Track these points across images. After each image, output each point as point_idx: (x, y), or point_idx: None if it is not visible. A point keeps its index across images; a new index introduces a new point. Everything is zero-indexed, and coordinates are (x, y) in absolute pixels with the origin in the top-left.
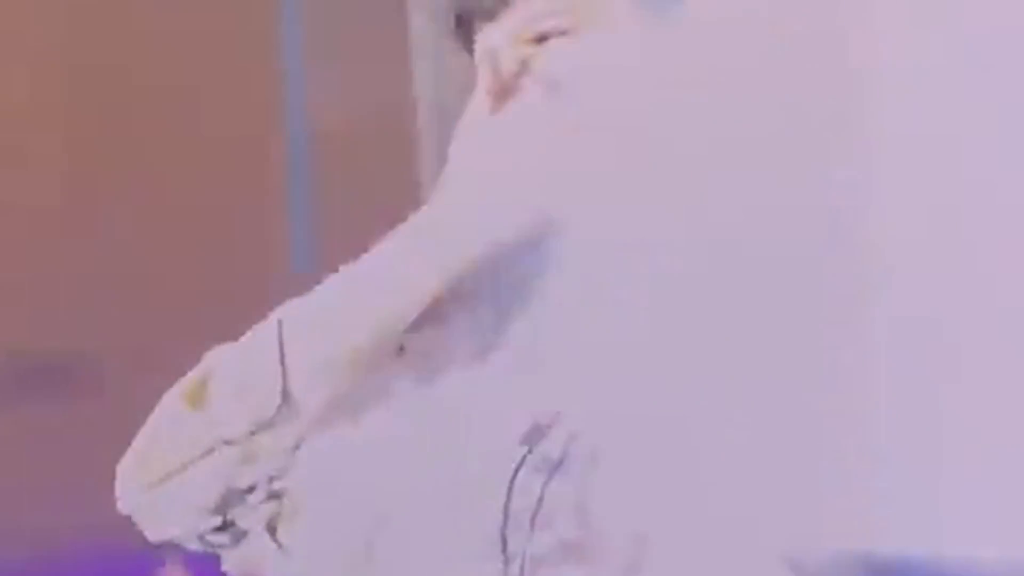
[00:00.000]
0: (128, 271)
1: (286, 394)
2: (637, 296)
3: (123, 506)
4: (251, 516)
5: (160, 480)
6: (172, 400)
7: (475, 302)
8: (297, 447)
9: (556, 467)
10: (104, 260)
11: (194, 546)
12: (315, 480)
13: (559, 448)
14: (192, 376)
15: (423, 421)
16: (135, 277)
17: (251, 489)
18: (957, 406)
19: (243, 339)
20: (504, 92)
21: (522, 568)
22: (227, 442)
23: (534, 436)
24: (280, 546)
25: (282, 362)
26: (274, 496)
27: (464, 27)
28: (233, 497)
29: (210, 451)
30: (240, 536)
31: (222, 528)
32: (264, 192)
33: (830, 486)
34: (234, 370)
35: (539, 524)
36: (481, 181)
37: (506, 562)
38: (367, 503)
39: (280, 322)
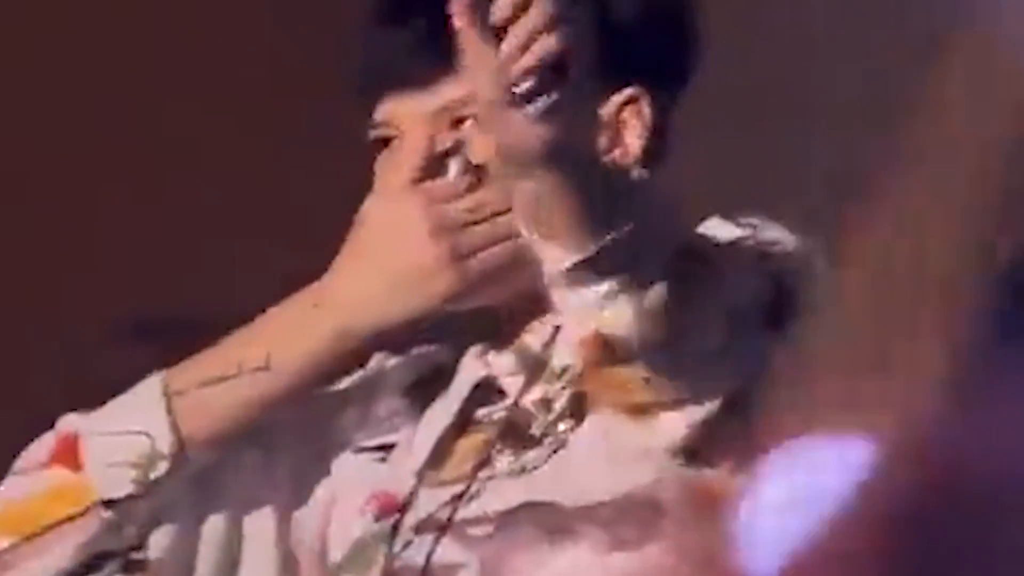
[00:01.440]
0: None
1: (176, 456)
2: None
3: None
4: None
5: (21, 539)
6: (36, 460)
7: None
8: (162, 519)
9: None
10: None
11: None
12: (172, 556)
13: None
14: (53, 440)
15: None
16: None
17: (112, 556)
18: None
19: (114, 403)
20: (432, 169)
21: None
22: (107, 503)
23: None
24: None
25: (172, 423)
26: (133, 567)
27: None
28: (94, 563)
29: (84, 512)
30: None
31: None
32: None
33: None
34: (115, 431)
35: None
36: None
37: None
38: None
39: (165, 384)
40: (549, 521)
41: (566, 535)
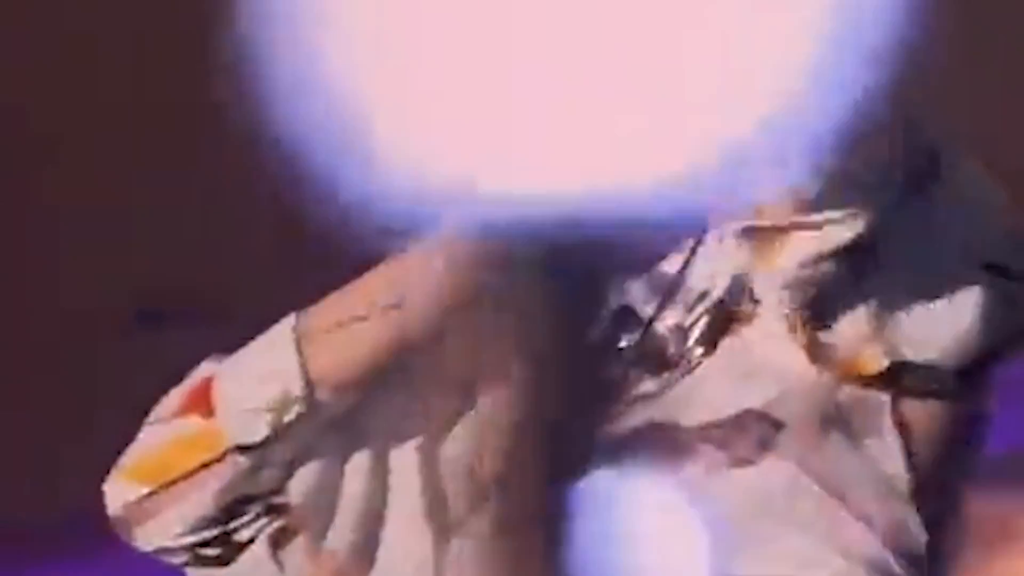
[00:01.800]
0: None
1: (309, 399)
2: None
3: (112, 512)
4: (248, 530)
5: (159, 487)
6: (171, 408)
7: None
8: (302, 460)
9: None
10: None
11: (180, 560)
12: (314, 497)
13: None
14: (188, 387)
15: None
16: None
17: (252, 500)
18: None
19: (246, 349)
20: None
21: None
22: (242, 448)
23: None
24: (281, 567)
25: (303, 366)
26: (273, 511)
27: None
28: (235, 508)
29: (220, 458)
30: (235, 551)
31: (214, 542)
32: None
33: None
34: (246, 377)
35: None
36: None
37: None
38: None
39: (296, 327)
40: (667, 441)
41: (683, 455)
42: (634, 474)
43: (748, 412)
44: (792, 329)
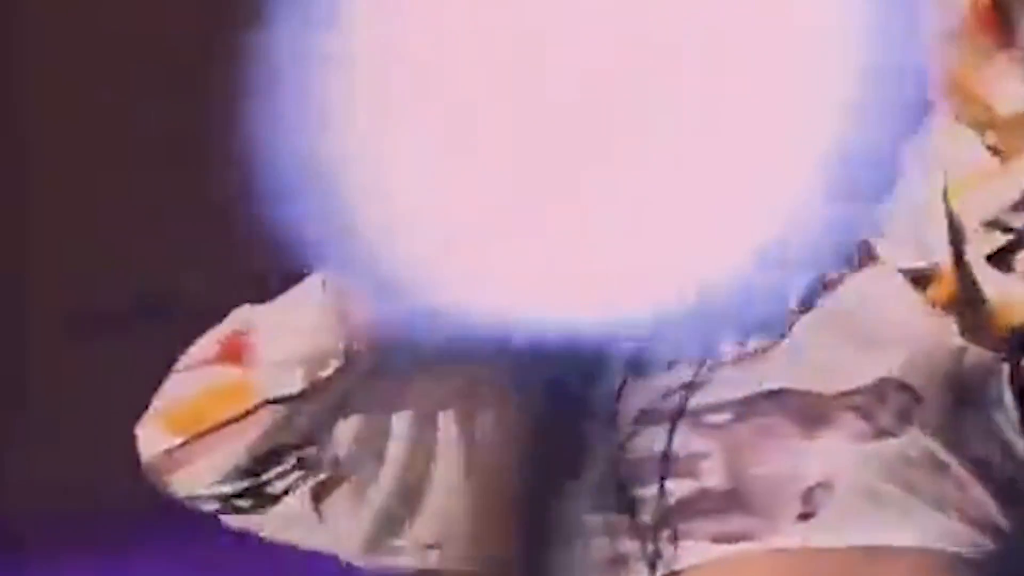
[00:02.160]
0: None
1: (348, 352)
2: None
3: (144, 459)
4: (282, 482)
5: (192, 437)
6: (203, 355)
7: None
8: (341, 412)
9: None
10: None
11: (212, 508)
12: (359, 451)
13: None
14: (223, 332)
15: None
16: None
17: (286, 451)
18: None
19: (280, 300)
20: None
21: (655, 519)
22: (276, 400)
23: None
24: (321, 518)
25: (339, 320)
26: (309, 462)
27: None
28: (268, 459)
29: (253, 410)
30: (268, 502)
31: (247, 493)
32: None
33: None
34: (280, 330)
35: (675, 474)
36: None
37: (631, 513)
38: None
39: (324, 282)
40: (801, 408)
41: (822, 423)
42: (762, 442)
43: (886, 380)
44: (921, 283)
